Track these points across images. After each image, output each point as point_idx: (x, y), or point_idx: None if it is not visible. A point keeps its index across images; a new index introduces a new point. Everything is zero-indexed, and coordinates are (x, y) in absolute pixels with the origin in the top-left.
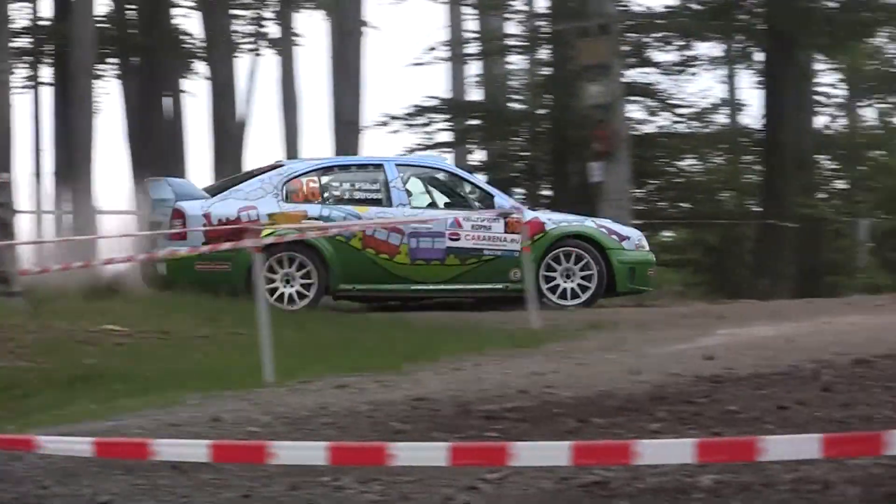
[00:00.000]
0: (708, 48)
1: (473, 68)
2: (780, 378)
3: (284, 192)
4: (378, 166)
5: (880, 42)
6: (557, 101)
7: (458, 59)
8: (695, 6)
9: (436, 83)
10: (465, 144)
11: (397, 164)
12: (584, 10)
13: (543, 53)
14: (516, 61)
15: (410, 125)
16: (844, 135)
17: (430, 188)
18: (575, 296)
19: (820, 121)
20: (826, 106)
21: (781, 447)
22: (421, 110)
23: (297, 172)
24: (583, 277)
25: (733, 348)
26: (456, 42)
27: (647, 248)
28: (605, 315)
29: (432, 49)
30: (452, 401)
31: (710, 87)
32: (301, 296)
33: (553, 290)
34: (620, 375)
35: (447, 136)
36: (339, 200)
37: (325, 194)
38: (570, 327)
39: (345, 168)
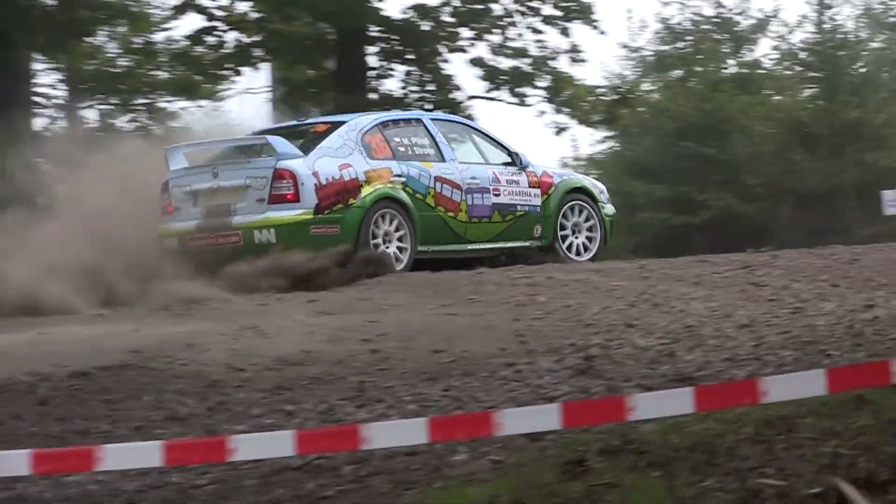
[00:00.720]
0: None
1: None
2: None
3: (364, 148)
4: (418, 121)
5: (101, 41)
6: None
7: None
8: None
9: None
10: None
11: (432, 119)
12: None
13: None
14: None
15: None
16: (64, 135)
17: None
18: (580, 251)
19: (39, 122)
20: (46, 107)
21: None
22: None
23: (366, 128)
24: (587, 230)
25: None
26: None
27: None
28: None
29: None
30: None
31: None
32: (396, 259)
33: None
34: None
35: None
36: (406, 156)
37: (392, 150)
38: None
39: (395, 122)
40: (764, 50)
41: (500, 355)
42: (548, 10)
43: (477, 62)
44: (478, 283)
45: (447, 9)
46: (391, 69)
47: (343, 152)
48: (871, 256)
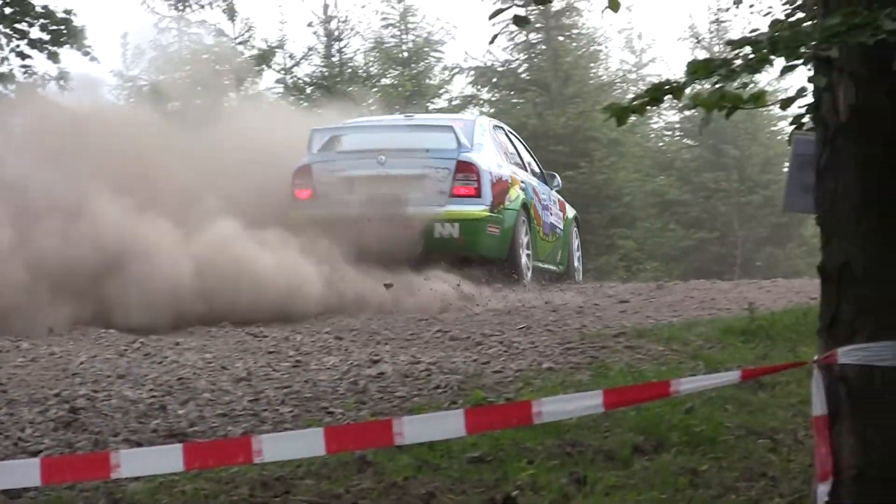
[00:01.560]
0: None
1: None
2: None
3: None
4: (501, 128)
5: None
6: None
7: None
8: None
9: None
10: None
11: (508, 128)
12: None
13: None
14: None
15: None
16: None
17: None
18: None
19: None
20: None
21: None
22: None
23: (490, 128)
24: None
25: None
26: None
27: None
28: None
29: None
30: None
31: None
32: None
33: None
34: None
35: None
36: (515, 164)
37: (507, 155)
38: None
39: (496, 128)
40: (268, 83)
41: None
42: (35, 33)
43: None
44: None
45: None
46: None
47: (489, 151)
48: None
